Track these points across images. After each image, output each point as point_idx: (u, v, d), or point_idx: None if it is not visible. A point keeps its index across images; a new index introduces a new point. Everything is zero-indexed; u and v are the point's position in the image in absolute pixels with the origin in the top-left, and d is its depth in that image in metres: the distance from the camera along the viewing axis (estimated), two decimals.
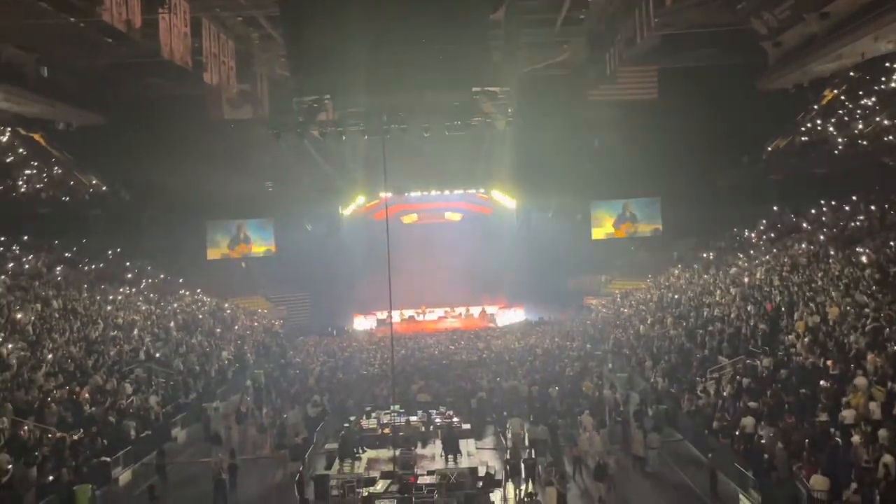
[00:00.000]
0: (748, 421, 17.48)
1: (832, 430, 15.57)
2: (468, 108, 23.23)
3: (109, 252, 39.36)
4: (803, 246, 30.21)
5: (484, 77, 22.50)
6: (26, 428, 17.92)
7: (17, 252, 31.24)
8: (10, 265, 29.51)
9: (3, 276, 28.15)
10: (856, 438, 14.56)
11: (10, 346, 22.43)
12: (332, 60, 21.44)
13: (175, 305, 36.18)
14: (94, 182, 42.78)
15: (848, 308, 20.42)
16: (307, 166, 40.43)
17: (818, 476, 13.85)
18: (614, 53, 30.79)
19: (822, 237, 30.35)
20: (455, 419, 22.06)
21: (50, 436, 18.19)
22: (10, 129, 39.71)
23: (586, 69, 38.76)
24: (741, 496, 15.87)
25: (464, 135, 23.64)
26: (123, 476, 19.25)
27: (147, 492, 17.29)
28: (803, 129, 38.58)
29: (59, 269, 32.47)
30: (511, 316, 46.90)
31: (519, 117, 23.49)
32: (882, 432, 14.11)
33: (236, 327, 37.17)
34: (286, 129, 23.68)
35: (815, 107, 38.50)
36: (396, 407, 22.65)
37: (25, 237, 33.30)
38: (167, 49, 25.95)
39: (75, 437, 18.55)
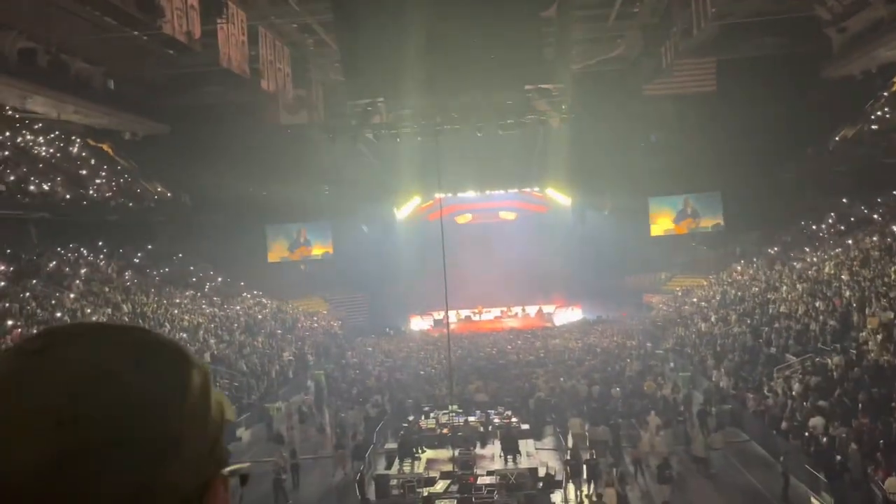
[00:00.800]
0: (818, 421, 16.89)
1: None
2: (521, 106, 23.14)
3: (174, 257, 40.62)
4: (875, 239, 28.99)
5: (537, 75, 22.39)
6: None
7: (89, 258, 32.52)
8: (83, 271, 30.73)
9: (77, 282, 29.33)
10: None
11: None
12: (385, 64, 21.65)
13: (237, 308, 37.07)
14: (158, 189, 44.21)
15: None
16: (363, 169, 40.87)
17: (894, 478, 13.29)
18: (670, 46, 30.17)
19: (895, 229, 29.05)
20: (514, 419, 21.95)
21: None
22: (79, 139, 41.39)
23: (641, 63, 38.07)
24: (812, 499, 15.34)
25: (517, 133, 23.53)
26: None
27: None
28: (872, 117, 37.03)
29: (127, 274, 33.66)
30: (568, 315, 46.45)
31: (573, 114, 23.25)
32: None
33: (297, 329, 37.85)
34: (341, 132, 24.01)
35: (885, 94, 36.91)
36: (455, 407, 22.67)
37: (100, 243, 34.61)
38: (226, 58, 26.62)
39: None
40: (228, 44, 26.58)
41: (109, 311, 28.24)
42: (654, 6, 31.05)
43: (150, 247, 39.27)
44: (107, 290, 30.24)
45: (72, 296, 27.96)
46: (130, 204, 38.99)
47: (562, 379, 26.59)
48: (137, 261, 35.99)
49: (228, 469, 0.90)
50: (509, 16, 21.22)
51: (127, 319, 28.09)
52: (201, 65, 35.05)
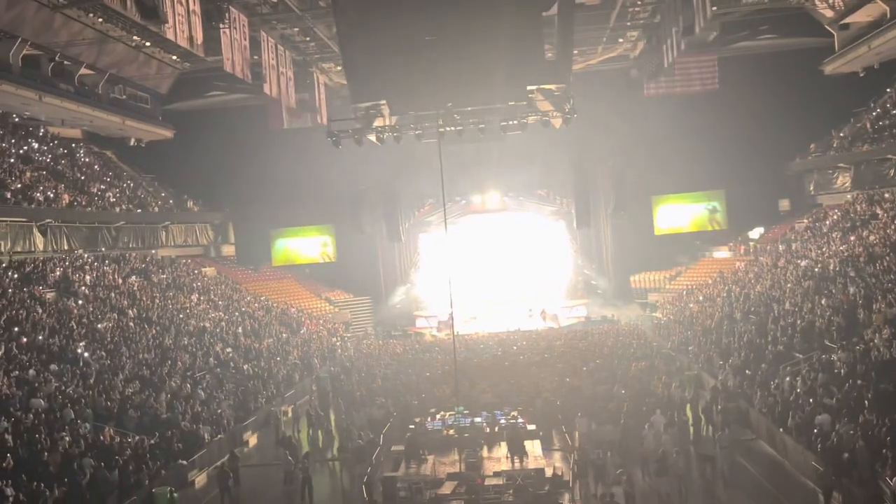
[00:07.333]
0: (824, 418, 16.85)
1: None
2: (524, 106, 23.14)
3: (182, 261, 40.73)
4: (880, 235, 28.93)
5: (539, 75, 22.40)
6: (107, 432, 18.74)
7: (94, 264, 32.60)
8: (88, 277, 30.81)
9: (83, 288, 29.41)
10: None
11: (88, 354, 23.45)
12: (387, 66, 21.69)
13: (243, 311, 37.14)
14: (162, 195, 44.38)
15: None
16: (367, 172, 40.92)
17: None
18: (671, 45, 30.22)
19: None
20: (520, 420, 21.93)
21: (129, 440, 18.94)
22: (84, 146, 41.57)
23: (643, 62, 38.04)
24: (820, 496, 15.31)
25: (520, 134, 23.52)
26: (199, 479, 19.88)
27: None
28: (875, 113, 36.99)
29: (133, 279, 33.73)
30: (574, 314, 46.37)
31: (575, 114, 23.24)
32: None
33: (302, 331, 37.90)
34: (344, 135, 24.04)
35: (888, 89, 36.91)
36: (461, 408, 22.66)
37: (102, 249, 34.71)
38: (229, 62, 26.71)
39: (152, 442, 19.26)
40: (231, 48, 26.69)
41: (116, 316, 28.32)
42: (655, 5, 31.07)
43: (154, 252, 39.37)
44: (113, 295, 30.32)
45: (79, 302, 28.06)
46: (137, 210, 39.12)
47: (567, 379, 26.55)
48: (143, 266, 36.07)
49: None
50: (511, 16, 21.25)
51: (132, 325, 28.17)
52: (204, 70, 35.22)
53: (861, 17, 28.22)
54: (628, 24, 33.59)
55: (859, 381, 17.64)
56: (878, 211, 32.56)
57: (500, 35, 20.67)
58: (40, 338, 23.24)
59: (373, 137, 24.30)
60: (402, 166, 39.32)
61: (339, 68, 35.19)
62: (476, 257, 46.22)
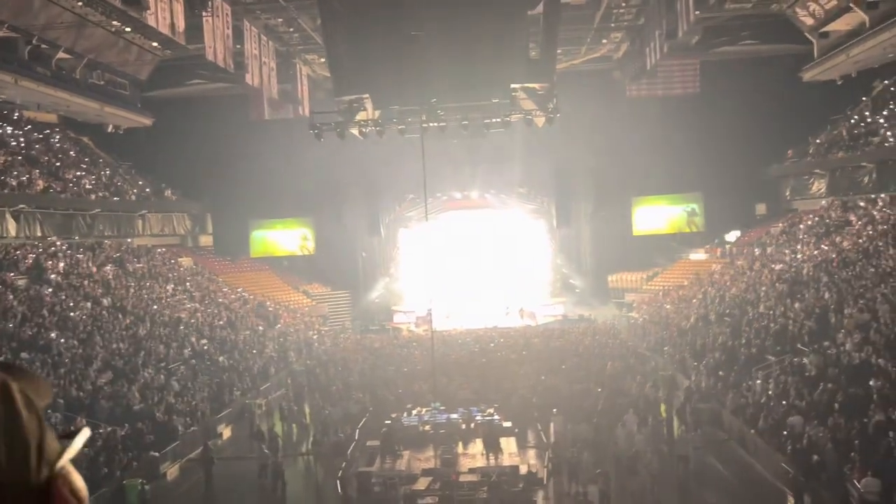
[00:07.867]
0: (796, 420, 17.12)
1: (890, 431, 15.09)
2: (507, 104, 23.19)
3: (158, 251, 40.27)
4: (853, 241, 29.40)
5: (522, 74, 22.46)
6: (79, 423, 18.50)
7: (68, 252, 32.12)
8: (61, 265, 30.36)
9: (54, 276, 28.98)
10: None
11: (62, 342, 23.13)
12: (372, 60, 21.62)
13: (219, 303, 36.83)
14: (140, 183, 43.82)
15: None
16: (347, 166, 40.69)
17: (869, 478, 13.50)
18: (654, 47, 30.43)
19: (872, 232, 29.48)
20: (496, 417, 22.03)
21: (101, 431, 18.71)
22: (60, 131, 40.90)
23: (626, 64, 38.26)
24: (790, 497, 15.55)
25: (502, 132, 23.59)
26: (171, 471, 19.70)
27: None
28: (852, 121, 37.54)
29: (108, 268, 33.28)
30: (551, 313, 46.60)
31: (558, 113, 23.33)
32: None
33: (279, 325, 37.66)
34: (326, 128, 23.92)
35: (864, 98, 37.47)
36: (437, 404, 22.70)
37: (76, 237, 34.19)
38: (210, 51, 26.40)
39: (124, 433, 19.05)
40: (213, 37, 26.40)
41: (89, 305, 27.94)
42: (640, 7, 31.27)
43: (130, 241, 38.87)
44: (86, 283, 29.89)
45: (49, 290, 27.63)
46: (114, 198, 38.57)
47: (543, 377, 26.70)
48: (118, 255, 35.60)
49: (61, 464, 0.91)
50: (496, 14, 21.29)
51: (106, 314, 27.82)
52: (185, 58, 34.83)
53: (840, 25, 28.56)
54: (612, 25, 33.77)
55: (829, 385, 17.92)
56: (852, 217, 33.08)
57: (485, 32, 20.72)
58: (11, 325, 22.87)
59: (355, 131, 24.23)
60: (384, 161, 39.16)
61: (322, 60, 34.96)
62: (455, 253, 46.27)
